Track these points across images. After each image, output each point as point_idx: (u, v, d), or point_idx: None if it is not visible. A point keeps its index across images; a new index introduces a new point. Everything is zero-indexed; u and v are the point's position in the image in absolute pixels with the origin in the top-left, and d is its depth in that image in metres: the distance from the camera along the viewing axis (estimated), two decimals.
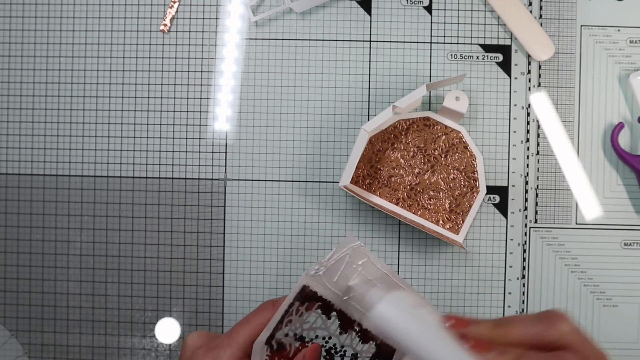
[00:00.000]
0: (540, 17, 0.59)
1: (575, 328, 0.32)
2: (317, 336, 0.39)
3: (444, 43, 0.59)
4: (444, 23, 0.59)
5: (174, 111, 0.59)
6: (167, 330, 0.60)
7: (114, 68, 0.60)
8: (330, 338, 0.39)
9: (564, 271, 0.59)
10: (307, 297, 0.37)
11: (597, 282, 0.59)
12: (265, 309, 0.38)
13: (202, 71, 0.59)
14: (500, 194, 0.59)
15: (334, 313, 0.38)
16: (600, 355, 0.32)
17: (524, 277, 0.59)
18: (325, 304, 0.38)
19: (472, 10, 0.59)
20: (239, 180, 0.59)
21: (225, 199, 0.59)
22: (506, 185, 0.59)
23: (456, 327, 0.32)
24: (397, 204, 0.57)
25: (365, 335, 0.39)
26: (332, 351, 0.40)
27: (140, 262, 0.59)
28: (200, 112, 0.59)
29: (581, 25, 0.59)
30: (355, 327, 0.38)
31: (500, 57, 0.59)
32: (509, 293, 0.59)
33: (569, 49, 0.59)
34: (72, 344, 0.60)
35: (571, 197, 0.59)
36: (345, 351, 0.39)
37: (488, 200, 0.59)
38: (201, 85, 0.59)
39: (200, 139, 0.59)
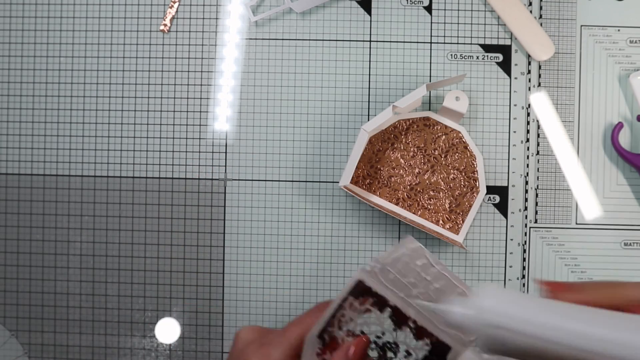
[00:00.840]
0: (540, 17, 0.59)
1: None
2: (370, 332, 0.39)
3: (444, 43, 0.59)
4: (444, 23, 0.59)
5: (174, 111, 0.59)
6: (167, 330, 0.60)
7: (114, 68, 0.60)
8: (383, 334, 0.39)
9: (564, 271, 0.59)
10: (361, 292, 0.37)
11: None
12: (319, 310, 0.38)
13: (202, 71, 0.59)
14: (500, 194, 0.59)
15: (388, 309, 0.38)
16: None
17: (524, 277, 0.59)
18: (379, 300, 0.38)
19: (472, 10, 0.59)
20: (239, 180, 0.59)
21: (225, 199, 0.59)
22: (506, 185, 0.59)
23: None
24: (397, 204, 0.57)
25: (420, 332, 0.38)
26: (386, 347, 0.40)
27: (140, 262, 0.59)
28: (200, 112, 0.59)
29: (581, 25, 0.59)
30: (410, 324, 0.38)
31: (500, 57, 0.59)
32: None
33: (569, 49, 0.59)
34: (72, 344, 0.60)
35: (571, 197, 0.59)
36: (399, 347, 0.39)
37: (488, 200, 0.59)
38: (201, 85, 0.59)
39: (200, 139, 0.59)
